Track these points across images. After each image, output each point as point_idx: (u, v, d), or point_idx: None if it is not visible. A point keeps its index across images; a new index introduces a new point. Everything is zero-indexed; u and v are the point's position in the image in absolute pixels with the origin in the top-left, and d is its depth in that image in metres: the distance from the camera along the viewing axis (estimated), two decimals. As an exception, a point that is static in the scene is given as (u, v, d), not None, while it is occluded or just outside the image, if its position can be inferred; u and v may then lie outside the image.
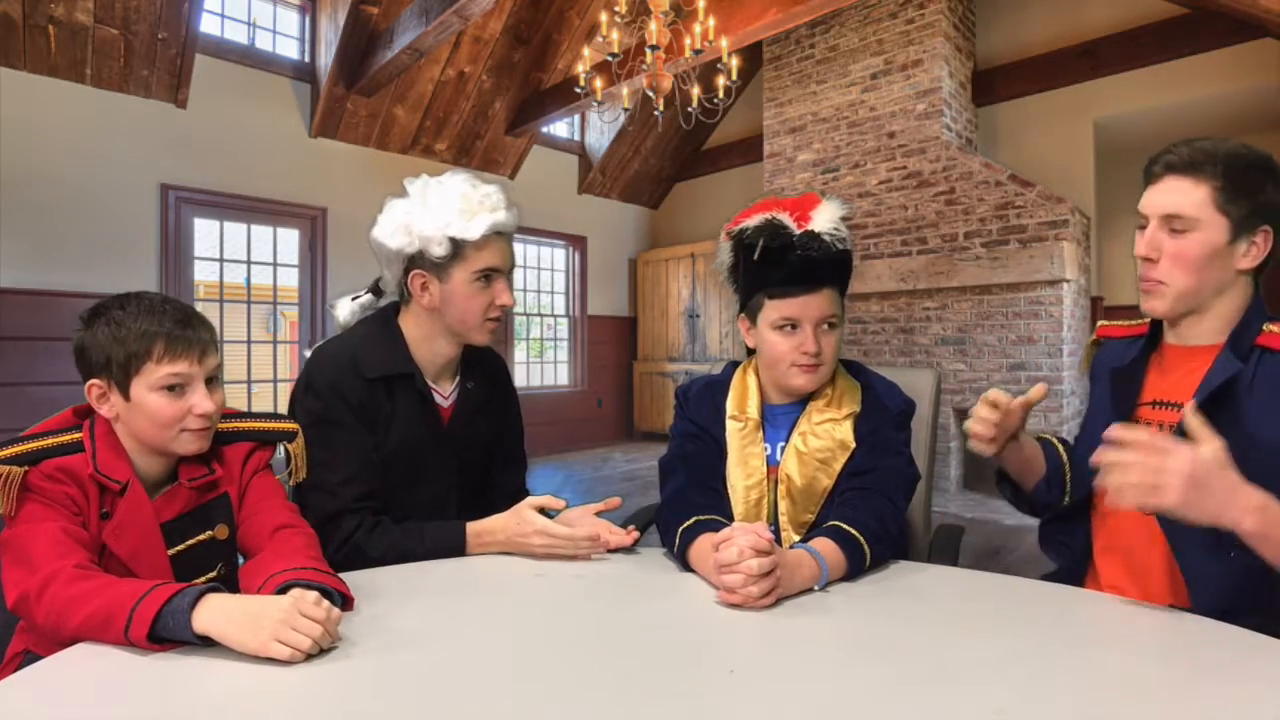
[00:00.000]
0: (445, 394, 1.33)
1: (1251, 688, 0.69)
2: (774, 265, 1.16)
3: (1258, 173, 0.99)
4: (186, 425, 0.99)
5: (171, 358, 0.97)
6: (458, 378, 1.35)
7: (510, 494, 1.42)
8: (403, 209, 1.23)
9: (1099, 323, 1.25)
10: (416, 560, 1.16)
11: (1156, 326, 1.13)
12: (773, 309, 1.18)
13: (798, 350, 1.16)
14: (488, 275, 1.24)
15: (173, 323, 0.98)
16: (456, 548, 1.18)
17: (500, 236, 1.25)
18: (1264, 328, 1.00)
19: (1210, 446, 0.84)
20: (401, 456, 1.25)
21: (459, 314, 1.25)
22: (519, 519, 1.17)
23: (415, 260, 1.23)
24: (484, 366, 1.39)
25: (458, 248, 1.21)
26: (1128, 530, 1.07)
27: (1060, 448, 1.25)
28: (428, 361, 1.30)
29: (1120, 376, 1.13)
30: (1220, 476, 0.84)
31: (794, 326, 1.17)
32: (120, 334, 0.96)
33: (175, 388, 0.97)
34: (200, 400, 0.99)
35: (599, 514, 1.21)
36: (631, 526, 1.23)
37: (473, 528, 1.20)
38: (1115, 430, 0.87)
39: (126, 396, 0.97)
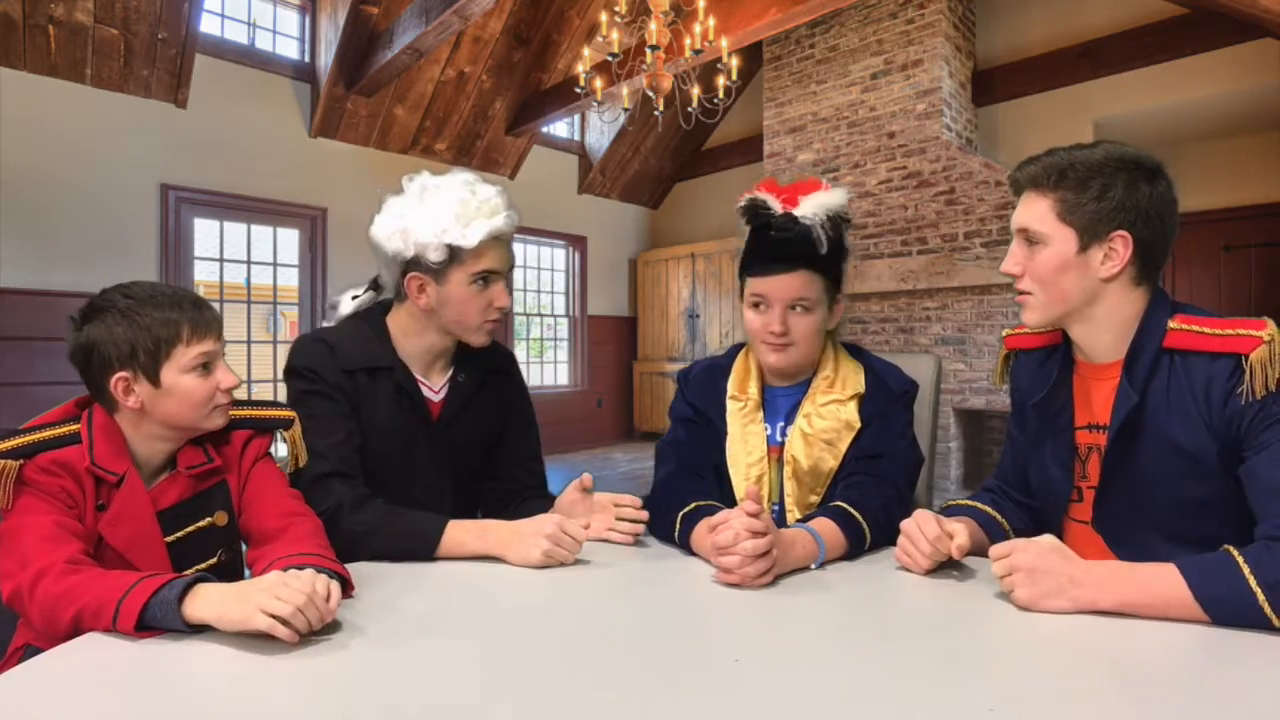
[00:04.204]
0: (435, 388, 1.31)
1: (1251, 688, 0.68)
2: (754, 243, 1.20)
3: (1102, 179, 0.96)
4: (216, 401, 1.02)
5: (199, 337, 1.00)
6: (450, 371, 1.33)
7: (523, 489, 1.40)
8: (398, 211, 1.21)
9: (1005, 332, 1.20)
10: (387, 541, 1.10)
11: (1068, 340, 1.09)
12: (748, 286, 1.22)
13: (766, 329, 1.18)
14: (486, 277, 1.23)
15: (190, 305, 1.01)
16: (427, 541, 1.10)
17: (498, 240, 1.23)
18: (1168, 326, 0.97)
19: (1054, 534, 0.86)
20: (388, 450, 1.24)
21: (455, 315, 1.25)
22: (534, 520, 1.11)
23: (412, 264, 1.22)
24: (480, 359, 1.34)
25: (454, 253, 1.19)
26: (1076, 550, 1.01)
27: (989, 509, 1.16)
28: (415, 355, 1.28)
29: (1047, 406, 1.10)
30: (1055, 558, 0.86)
31: (765, 305, 1.19)
32: (143, 322, 0.97)
33: (204, 366, 1.01)
34: (225, 375, 1.03)
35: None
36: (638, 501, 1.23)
37: (462, 524, 1.12)
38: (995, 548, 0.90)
39: (156, 383, 0.98)
